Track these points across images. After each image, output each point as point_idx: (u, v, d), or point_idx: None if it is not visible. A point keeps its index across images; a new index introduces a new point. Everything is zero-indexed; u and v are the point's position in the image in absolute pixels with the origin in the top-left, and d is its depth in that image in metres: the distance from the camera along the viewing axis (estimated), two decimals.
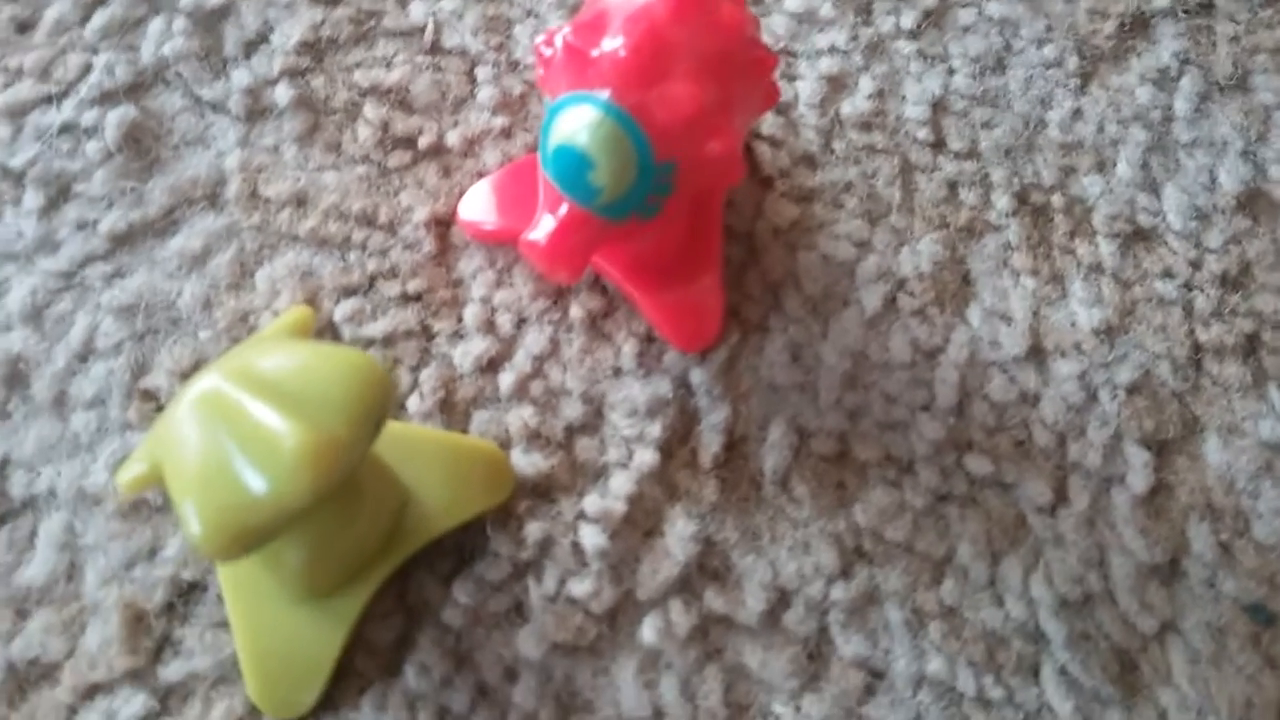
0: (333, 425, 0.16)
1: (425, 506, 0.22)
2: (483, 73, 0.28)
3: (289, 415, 0.16)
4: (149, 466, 0.18)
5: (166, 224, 0.25)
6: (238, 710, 0.21)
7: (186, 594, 0.22)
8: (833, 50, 0.28)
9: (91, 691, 0.21)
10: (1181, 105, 0.28)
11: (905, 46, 0.29)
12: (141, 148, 0.26)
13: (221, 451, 0.16)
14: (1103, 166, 0.27)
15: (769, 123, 0.27)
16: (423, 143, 0.27)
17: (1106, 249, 0.26)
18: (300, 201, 0.26)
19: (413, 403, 0.24)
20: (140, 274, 0.25)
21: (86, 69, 0.27)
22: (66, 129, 0.26)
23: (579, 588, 0.22)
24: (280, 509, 0.16)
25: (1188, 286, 0.26)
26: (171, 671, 0.21)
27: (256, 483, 0.16)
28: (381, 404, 0.17)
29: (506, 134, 0.27)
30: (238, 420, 0.16)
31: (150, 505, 0.22)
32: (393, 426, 0.22)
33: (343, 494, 0.19)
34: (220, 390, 0.17)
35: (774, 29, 0.29)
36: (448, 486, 0.22)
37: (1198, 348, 0.25)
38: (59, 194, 0.26)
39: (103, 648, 0.21)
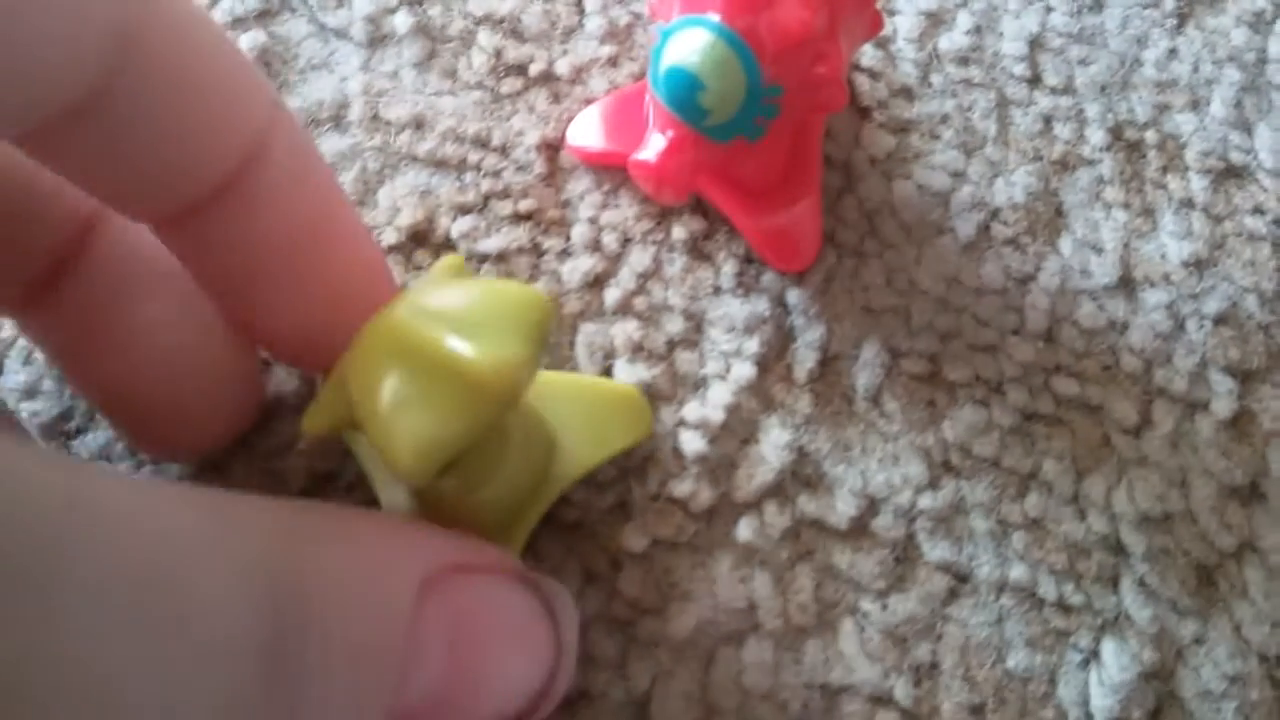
0: (509, 343, 0.17)
1: (570, 447, 0.22)
2: (591, 3, 0.29)
3: (467, 337, 0.17)
4: (333, 412, 0.19)
5: None
6: None
7: None
8: None
9: None
10: (1276, 47, 0.28)
11: None
12: (271, 71, 0.28)
13: (409, 378, 0.17)
14: (1196, 105, 0.28)
15: (868, 55, 0.28)
16: (534, 70, 0.28)
17: (1198, 184, 0.27)
18: (419, 124, 0.27)
19: None
20: None
21: None
22: None
23: (679, 488, 0.23)
24: (470, 422, 0.17)
25: (1277, 222, 0.26)
26: None
27: (446, 401, 0.17)
28: (548, 324, 0.18)
29: (613, 63, 0.28)
30: (420, 349, 0.17)
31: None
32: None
33: (491, 436, 0.20)
34: (398, 326, 0.18)
35: None
36: (590, 427, 0.23)
37: None
38: None
39: None
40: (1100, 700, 0.22)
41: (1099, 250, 0.26)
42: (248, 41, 0.28)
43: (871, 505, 0.23)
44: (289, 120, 0.19)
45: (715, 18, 0.22)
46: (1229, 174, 0.27)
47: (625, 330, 0.25)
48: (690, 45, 0.22)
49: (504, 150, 0.27)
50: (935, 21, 0.29)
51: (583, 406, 0.23)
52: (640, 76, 0.28)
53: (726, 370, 0.25)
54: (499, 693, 0.17)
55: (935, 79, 0.28)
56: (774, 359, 0.25)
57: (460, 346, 0.17)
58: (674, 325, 0.25)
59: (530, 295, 0.18)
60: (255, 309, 0.20)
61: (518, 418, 0.21)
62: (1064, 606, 0.23)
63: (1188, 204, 0.27)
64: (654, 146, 0.23)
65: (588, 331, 0.25)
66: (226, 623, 0.13)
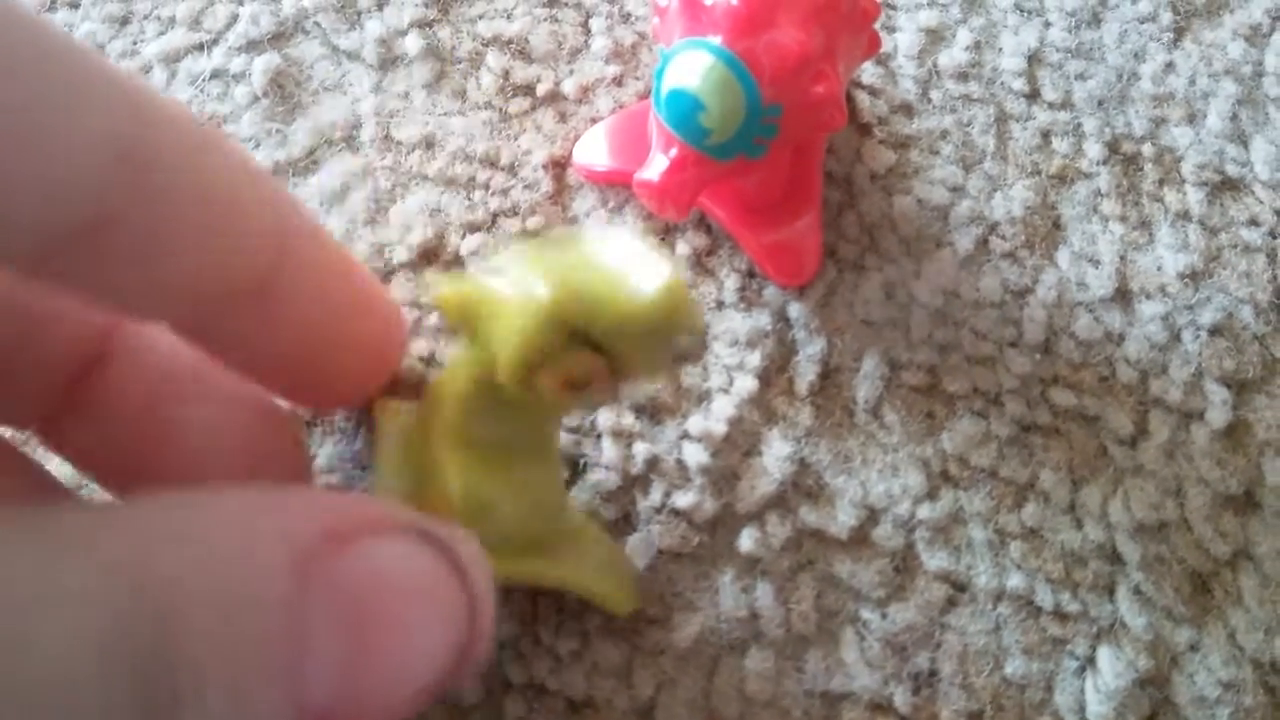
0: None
1: (579, 559, 0.22)
2: (596, 24, 0.29)
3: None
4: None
5: (308, 163, 0.28)
6: None
7: None
8: (932, 3, 0.30)
9: None
10: (1272, 60, 0.29)
11: (1002, 0, 0.30)
12: (285, 93, 0.28)
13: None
14: (1193, 118, 0.28)
15: (869, 72, 0.29)
16: (541, 90, 0.28)
17: (1194, 197, 0.27)
18: (429, 144, 0.28)
19: None
20: None
21: (234, 19, 0.29)
22: (216, 75, 0.29)
23: (683, 500, 0.24)
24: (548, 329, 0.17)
25: (1272, 234, 0.27)
26: None
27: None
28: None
29: (618, 82, 0.29)
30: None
31: None
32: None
33: (529, 465, 0.20)
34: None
35: None
36: (605, 561, 0.23)
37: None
38: None
39: None
40: (1096, 707, 0.22)
41: (1096, 263, 0.26)
42: (262, 64, 0.28)
43: (871, 515, 0.24)
44: (307, 221, 0.19)
45: (715, 41, 0.22)
46: (1225, 186, 0.27)
47: None
48: (691, 68, 0.23)
49: (512, 169, 0.27)
50: (935, 38, 0.29)
51: (606, 548, 0.23)
52: (645, 95, 0.28)
53: (729, 383, 0.25)
54: (412, 664, 0.16)
55: (935, 95, 0.28)
56: (776, 372, 0.25)
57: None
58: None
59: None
60: (285, 387, 0.21)
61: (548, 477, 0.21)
62: (1060, 615, 0.23)
63: (1184, 216, 0.27)
64: (656, 166, 0.24)
65: None
66: (82, 647, 0.12)
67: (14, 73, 0.13)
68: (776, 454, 0.24)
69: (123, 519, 0.14)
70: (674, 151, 0.24)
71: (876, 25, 0.25)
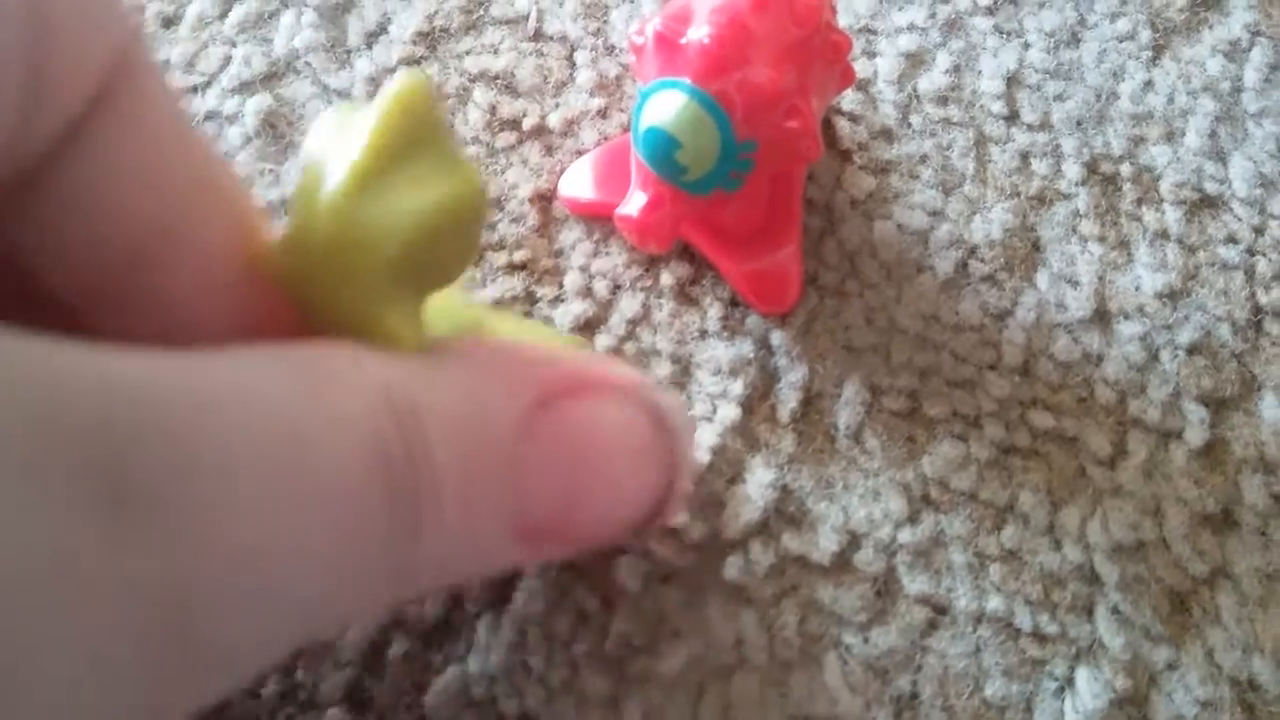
0: None
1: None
2: (581, 57, 0.30)
3: None
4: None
5: None
6: None
7: None
8: (911, 28, 0.30)
9: None
10: (1251, 76, 0.29)
11: (982, 23, 0.30)
12: (277, 132, 0.29)
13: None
14: (1171, 136, 0.29)
15: (848, 99, 0.29)
16: (527, 124, 0.29)
17: (1172, 216, 0.28)
18: None
19: None
20: None
21: (226, 60, 0.30)
22: (210, 116, 0.29)
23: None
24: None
25: (1250, 251, 0.27)
26: None
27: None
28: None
29: (603, 115, 0.29)
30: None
31: None
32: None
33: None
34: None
35: (855, 8, 0.30)
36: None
37: (1258, 310, 0.26)
38: None
39: None
40: None
41: (1075, 284, 0.27)
42: (254, 105, 0.29)
43: (853, 540, 0.24)
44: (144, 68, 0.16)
45: (690, 79, 0.23)
46: (1203, 204, 0.28)
47: None
48: (666, 107, 0.23)
49: (499, 203, 0.28)
50: (915, 62, 0.30)
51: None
52: (629, 127, 0.29)
53: (713, 412, 0.26)
54: (617, 507, 0.19)
55: (915, 119, 0.29)
56: (758, 400, 0.26)
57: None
58: (662, 369, 0.26)
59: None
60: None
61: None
62: (1039, 636, 0.24)
63: (1162, 235, 0.27)
64: (635, 202, 0.24)
65: None
66: (349, 460, 0.14)
67: None
68: (760, 481, 0.25)
69: (374, 358, 0.15)
70: (653, 187, 0.24)
71: (856, 51, 0.25)
